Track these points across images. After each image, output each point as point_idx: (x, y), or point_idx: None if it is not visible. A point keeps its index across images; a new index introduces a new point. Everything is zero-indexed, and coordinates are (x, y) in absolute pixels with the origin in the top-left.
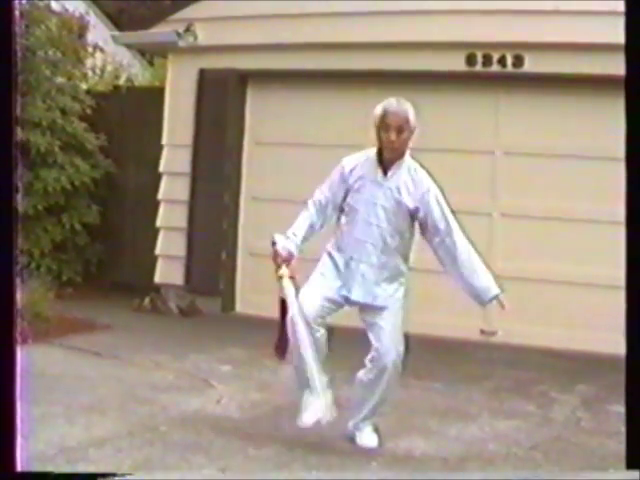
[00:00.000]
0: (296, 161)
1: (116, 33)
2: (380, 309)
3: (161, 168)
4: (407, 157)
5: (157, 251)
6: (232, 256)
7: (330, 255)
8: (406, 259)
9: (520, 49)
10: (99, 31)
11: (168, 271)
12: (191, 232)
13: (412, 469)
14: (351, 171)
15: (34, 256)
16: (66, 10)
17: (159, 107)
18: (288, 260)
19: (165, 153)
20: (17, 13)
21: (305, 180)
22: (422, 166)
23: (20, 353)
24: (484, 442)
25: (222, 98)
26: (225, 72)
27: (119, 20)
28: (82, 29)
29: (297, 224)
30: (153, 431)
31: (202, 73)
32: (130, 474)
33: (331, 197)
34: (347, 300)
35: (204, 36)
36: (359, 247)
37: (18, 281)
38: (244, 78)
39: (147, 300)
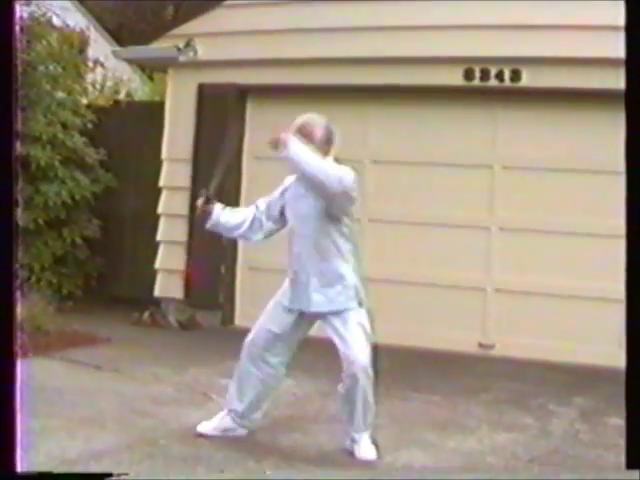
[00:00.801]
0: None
1: (116, 48)
2: (331, 316)
3: (161, 182)
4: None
5: (157, 265)
6: (231, 270)
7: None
8: (347, 260)
9: (518, 64)
10: (99, 46)
11: (168, 285)
12: (191, 246)
13: None
14: (286, 189)
15: (34, 270)
16: (67, 25)
17: (159, 122)
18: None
19: (165, 167)
20: (18, 28)
21: None
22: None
23: (20, 366)
24: (482, 455)
25: (222, 113)
26: (225, 87)
27: (119, 35)
28: (83, 44)
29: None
30: (153, 444)
31: (202, 88)
32: (126, 474)
33: (266, 207)
34: (294, 311)
35: (204, 51)
36: (297, 260)
37: (18, 294)
38: (244, 93)
39: (147, 314)
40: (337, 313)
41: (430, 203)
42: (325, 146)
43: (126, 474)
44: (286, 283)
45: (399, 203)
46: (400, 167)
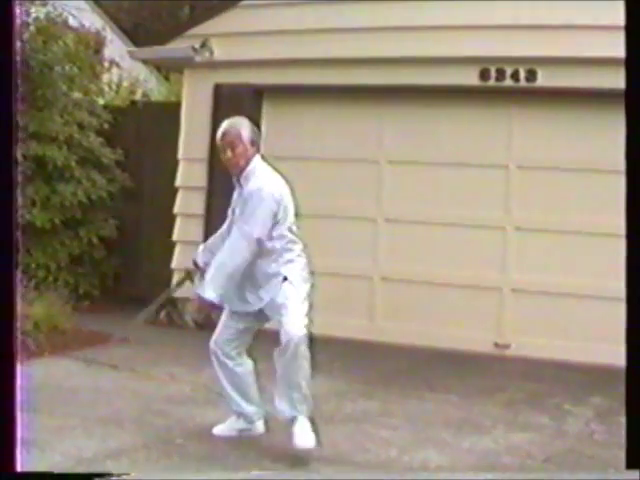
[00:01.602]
0: (310, 175)
1: (132, 48)
2: (267, 310)
3: (177, 182)
4: (254, 168)
5: (173, 265)
6: None
7: None
8: (282, 258)
9: (533, 64)
10: (115, 46)
11: (184, 285)
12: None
13: None
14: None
15: (51, 269)
16: (83, 26)
17: (175, 122)
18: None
19: (181, 167)
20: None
21: (319, 194)
22: (277, 171)
23: (37, 366)
24: (498, 454)
25: (238, 113)
26: (241, 87)
27: (135, 36)
28: (99, 45)
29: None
30: (169, 444)
31: (218, 88)
32: (128, 474)
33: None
34: (237, 312)
35: (220, 51)
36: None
37: (18, 296)
38: (260, 93)
39: (163, 313)
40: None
41: (446, 203)
42: (252, 147)
43: (127, 474)
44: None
45: (414, 203)
46: (415, 167)
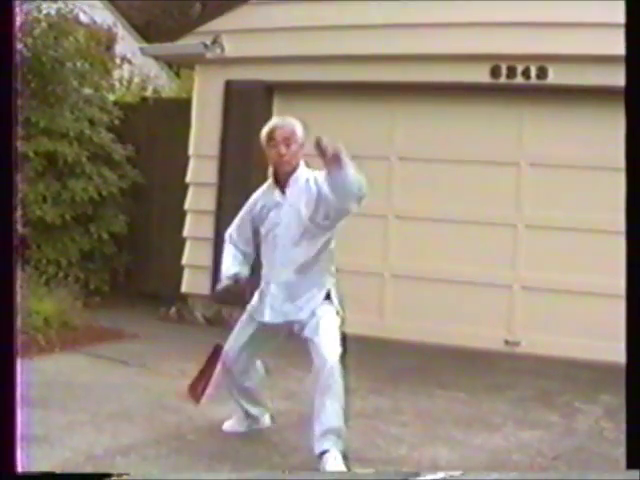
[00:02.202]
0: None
1: (144, 45)
2: (304, 323)
3: (188, 179)
4: (303, 169)
5: (184, 261)
6: (257, 267)
7: (258, 289)
8: (326, 269)
9: (544, 61)
10: (127, 43)
11: (194, 281)
12: (218, 242)
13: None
14: (255, 202)
15: (62, 265)
16: (94, 22)
17: (186, 118)
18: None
19: (192, 164)
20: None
21: None
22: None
23: (47, 362)
24: (508, 452)
25: (249, 109)
26: (252, 83)
27: (146, 32)
28: (110, 41)
29: (224, 264)
30: (180, 439)
31: (229, 84)
32: (128, 474)
33: (238, 232)
34: (265, 325)
35: (231, 48)
36: (271, 270)
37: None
38: (270, 89)
39: (173, 309)
40: (305, 320)
41: (456, 200)
42: (301, 149)
43: (127, 474)
44: (256, 298)
45: (425, 200)
46: (427, 164)
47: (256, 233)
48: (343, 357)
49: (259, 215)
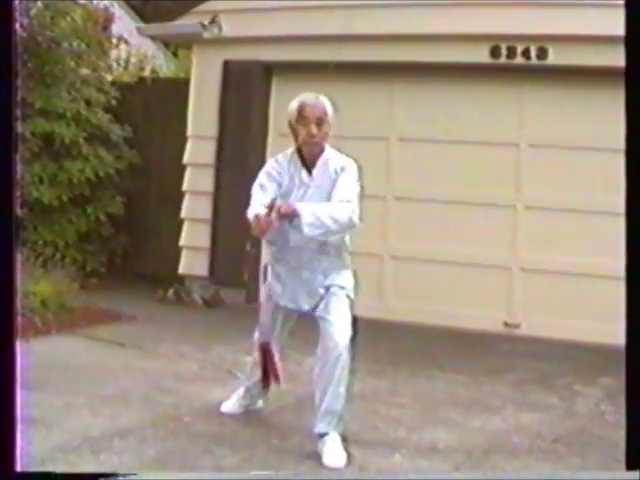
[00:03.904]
0: None
1: (141, 25)
2: (324, 303)
3: (185, 159)
4: (330, 151)
5: (181, 242)
6: (256, 247)
7: (269, 269)
8: (342, 248)
9: (544, 41)
10: (124, 23)
11: (192, 262)
12: (215, 223)
13: (436, 461)
14: (280, 174)
15: (59, 247)
16: (91, 2)
17: (184, 99)
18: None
19: (189, 144)
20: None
21: None
22: (349, 156)
23: (45, 344)
24: (508, 434)
25: (247, 90)
26: (250, 64)
27: (144, 12)
28: (107, 21)
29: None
30: (177, 422)
31: (227, 65)
32: (134, 473)
33: (263, 192)
34: (299, 311)
35: (229, 27)
36: (297, 254)
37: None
38: (269, 69)
39: (171, 291)
40: (326, 300)
41: (456, 181)
42: (330, 129)
43: (134, 474)
44: (270, 279)
45: (425, 181)
46: (426, 145)
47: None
48: (353, 340)
49: (283, 188)
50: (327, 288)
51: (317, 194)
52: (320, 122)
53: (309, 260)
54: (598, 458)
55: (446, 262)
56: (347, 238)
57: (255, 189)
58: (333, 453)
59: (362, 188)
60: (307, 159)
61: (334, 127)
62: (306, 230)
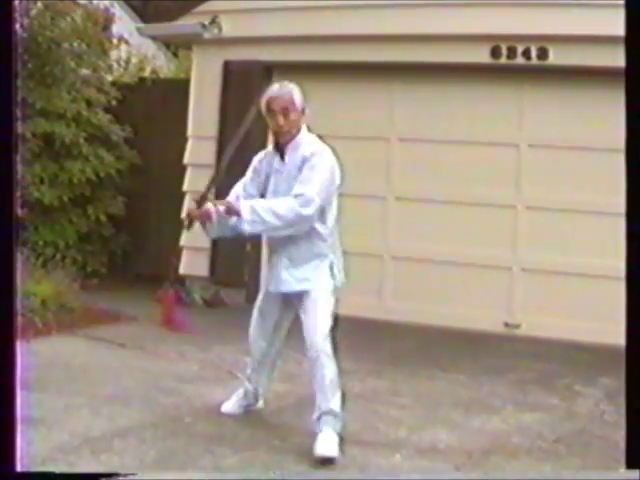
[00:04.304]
0: None
1: (141, 25)
2: (300, 297)
3: (186, 160)
4: (304, 137)
5: (182, 242)
6: (257, 248)
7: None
8: (325, 239)
9: (545, 41)
10: (124, 23)
11: (193, 262)
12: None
13: (436, 461)
14: (260, 162)
15: (59, 247)
16: (91, 2)
17: (184, 99)
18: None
19: (190, 145)
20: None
21: None
22: (326, 143)
23: (45, 344)
24: (508, 435)
25: (247, 90)
26: (250, 64)
27: (144, 12)
28: (107, 21)
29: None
30: (177, 422)
31: (227, 65)
32: (134, 474)
33: (245, 190)
34: (276, 295)
35: (229, 28)
36: (274, 239)
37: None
38: (269, 70)
39: (171, 291)
40: (304, 293)
41: (456, 181)
42: (303, 115)
43: (133, 474)
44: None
45: (425, 181)
46: (426, 145)
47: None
48: (334, 337)
49: (262, 178)
50: (309, 284)
51: (287, 179)
52: (286, 112)
53: (282, 244)
54: (598, 458)
55: (446, 262)
56: (324, 225)
57: (240, 182)
58: (325, 443)
59: (341, 178)
60: (280, 146)
61: (332, 126)
62: (246, 227)
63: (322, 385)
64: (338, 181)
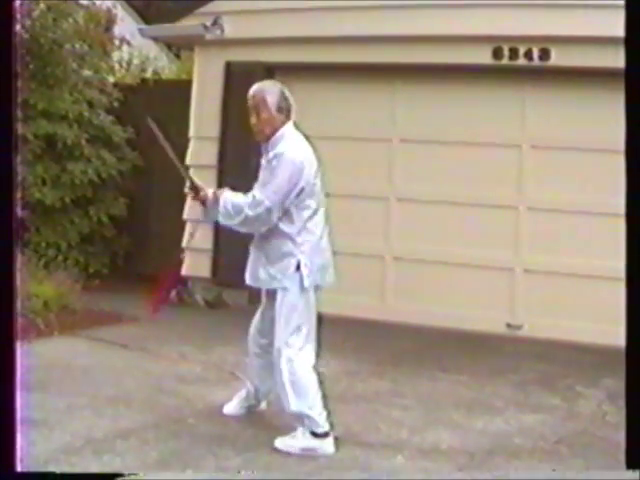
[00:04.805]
0: (322, 154)
1: (143, 26)
2: (270, 296)
3: (188, 161)
4: (282, 136)
5: (184, 244)
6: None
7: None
8: (292, 238)
9: (547, 42)
10: (126, 24)
11: (195, 264)
12: (218, 225)
13: (438, 462)
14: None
15: (61, 248)
16: (93, 3)
17: (186, 100)
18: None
19: (192, 146)
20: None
21: (332, 173)
22: (311, 143)
23: (47, 345)
24: (510, 436)
25: (249, 91)
26: (252, 65)
27: (146, 13)
28: (109, 22)
29: None
30: (180, 423)
31: (229, 66)
32: (136, 474)
33: None
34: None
35: (231, 29)
36: (255, 235)
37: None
38: (271, 71)
39: (174, 292)
40: (275, 291)
41: (458, 183)
42: (279, 114)
43: (135, 474)
44: None
45: (427, 182)
46: (428, 146)
47: None
48: (318, 336)
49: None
50: (278, 283)
51: (262, 175)
52: (257, 111)
53: (260, 244)
54: (600, 459)
55: (448, 263)
56: (292, 225)
57: None
58: (283, 437)
59: (318, 177)
60: (264, 147)
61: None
62: (220, 219)
63: (281, 388)
64: (305, 182)
